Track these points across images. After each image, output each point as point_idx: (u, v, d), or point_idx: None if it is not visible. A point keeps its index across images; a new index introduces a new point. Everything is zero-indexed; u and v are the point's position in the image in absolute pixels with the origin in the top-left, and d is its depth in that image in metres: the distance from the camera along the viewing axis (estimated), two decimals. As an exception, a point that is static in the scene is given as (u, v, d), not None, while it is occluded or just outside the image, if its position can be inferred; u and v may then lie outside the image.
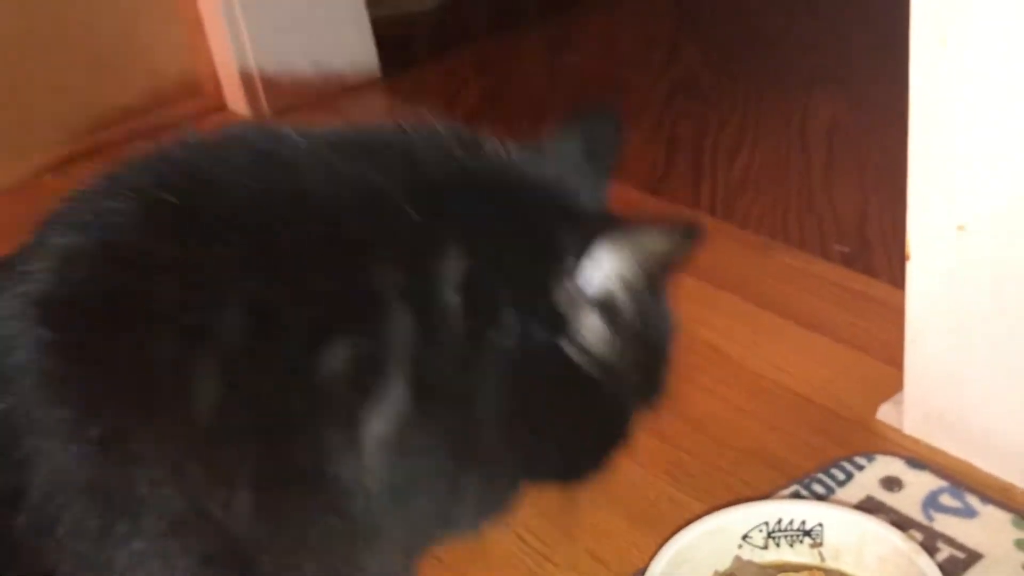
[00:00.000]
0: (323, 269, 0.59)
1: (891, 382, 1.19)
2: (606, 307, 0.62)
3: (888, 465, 1.11)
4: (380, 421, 0.59)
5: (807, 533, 0.96)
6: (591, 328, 0.62)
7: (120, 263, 0.58)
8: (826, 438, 1.16)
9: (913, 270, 1.09)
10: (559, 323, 0.61)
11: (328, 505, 0.60)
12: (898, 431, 1.17)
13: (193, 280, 0.57)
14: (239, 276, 0.58)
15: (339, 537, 0.62)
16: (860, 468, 1.11)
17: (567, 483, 0.73)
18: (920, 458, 1.12)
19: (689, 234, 0.61)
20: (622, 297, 0.61)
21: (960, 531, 1.02)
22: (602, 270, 0.60)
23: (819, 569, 0.96)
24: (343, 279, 0.58)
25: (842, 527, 0.95)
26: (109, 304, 0.57)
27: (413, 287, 0.59)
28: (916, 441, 1.15)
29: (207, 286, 0.57)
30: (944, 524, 1.04)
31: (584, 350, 0.62)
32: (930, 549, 1.00)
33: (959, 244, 1.02)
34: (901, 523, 1.01)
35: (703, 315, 1.36)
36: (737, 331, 1.34)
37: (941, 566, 0.98)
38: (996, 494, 1.06)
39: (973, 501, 1.06)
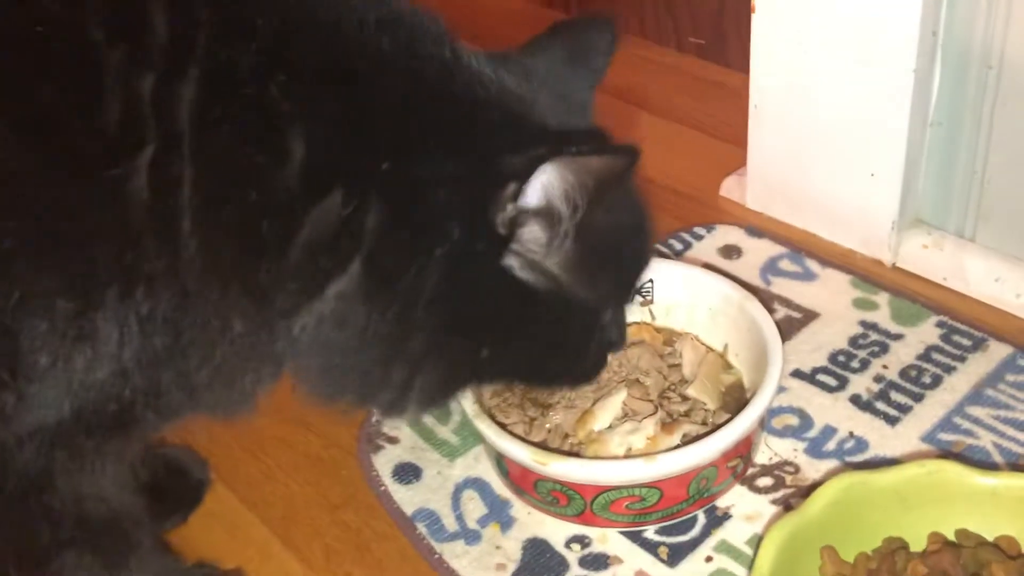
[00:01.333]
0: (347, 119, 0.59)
1: (737, 161, 1.14)
2: (547, 223, 0.61)
3: (727, 234, 1.06)
4: (337, 286, 0.60)
5: (637, 291, 0.90)
6: (532, 243, 0.62)
7: None
8: (669, 215, 1.10)
9: (758, 23, 1.02)
10: (500, 241, 0.61)
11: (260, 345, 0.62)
12: (741, 205, 1.12)
13: None
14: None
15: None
16: (699, 238, 1.06)
17: (539, 385, 0.78)
18: (762, 228, 1.07)
19: (629, 155, 0.59)
20: (564, 213, 0.61)
21: (797, 293, 0.98)
22: (544, 189, 0.60)
23: (648, 326, 0.90)
24: (355, 137, 0.59)
25: (672, 282, 0.89)
26: None
27: (388, 178, 0.59)
28: (759, 214, 1.10)
29: None
30: (781, 287, 0.99)
31: (528, 265, 0.63)
32: (767, 310, 0.96)
33: (804, -12, 0.96)
34: (738, 289, 0.96)
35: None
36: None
37: (778, 325, 0.94)
38: (838, 259, 1.02)
39: (812, 265, 1.01)
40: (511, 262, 0.62)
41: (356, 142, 0.58)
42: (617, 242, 0.68)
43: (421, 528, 0.79)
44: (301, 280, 0.59)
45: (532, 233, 0.62)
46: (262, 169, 0.56)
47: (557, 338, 0.68)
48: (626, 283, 0.72)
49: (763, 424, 0.82)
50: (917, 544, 0.69)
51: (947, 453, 0.81)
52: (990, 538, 0.69)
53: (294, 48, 0.58)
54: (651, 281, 0.89)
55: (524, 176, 0.58)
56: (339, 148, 0.58)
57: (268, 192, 0.56)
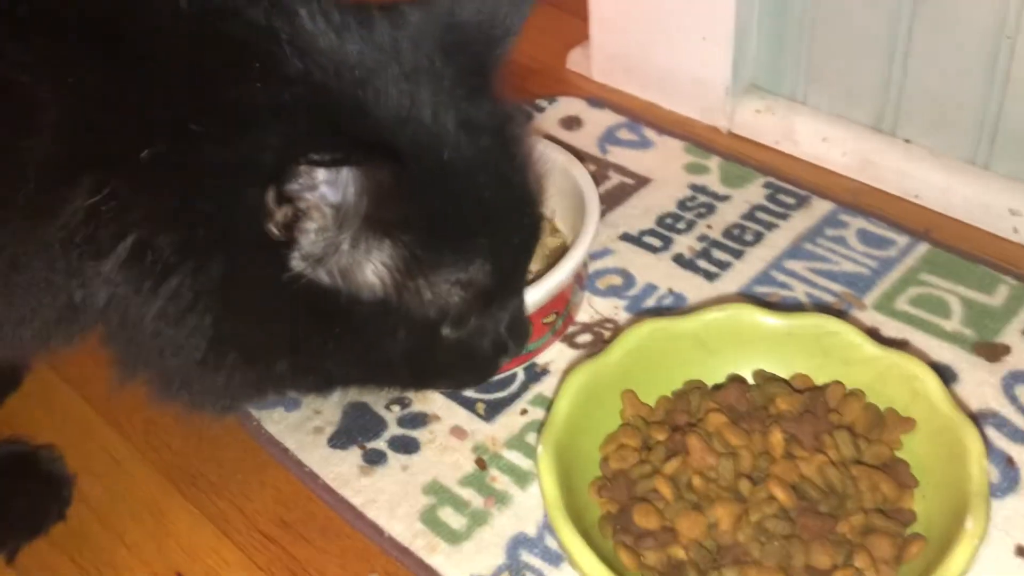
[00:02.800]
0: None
1: (583, 34, 1.13)
2: (331, 223, 0.53)
3: (569, 106, 1.06)
4: (101, 267, 0.55)
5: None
6: (320, 245, 0.54)
7: None
8: (516, 89, 1.10)
9: None
10: (280, 244, 0.54)
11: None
12: (587, 78, 1.11)
13: None
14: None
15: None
16: (541, 110, 1.05)
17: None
18: (604, 99, 1.07)
19: (386, 164, 0.51)
20: (339, 218, 0.53)
21: (632, 160, 0.98)
22: (311, 190, 0.52)
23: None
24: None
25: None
26: None
27: (152, 166, 0.52)
28: (603, 86, 1.10)
29: None
30: (617, 156, 0.99)
31: (324, 268, 0.55)
32: (601, 177, 0.96)
33: None
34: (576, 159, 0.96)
35: None
36: None
37: (610, 192, 0.95)
38: (676, 127, 1.03)
39: (649, 133, 1.02)
40: (300, 265, 0.54)
41: (113, 123, 0.52)
42: (466, 231, 0.58)
43: (242, 397, 0.79)
44: (62, 251, 0.55)
45: (316, 233, 0.54)
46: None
47: (394, 350, 0.59)
48: (502, 276, 0.60)
49: (582, 283, 0.83)
50: (718, 386, 0.71)
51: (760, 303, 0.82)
52: (787, 377, 0.71)
53: None
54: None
55: (280, 180, 0.51)
56: (91, 129, 0.52)
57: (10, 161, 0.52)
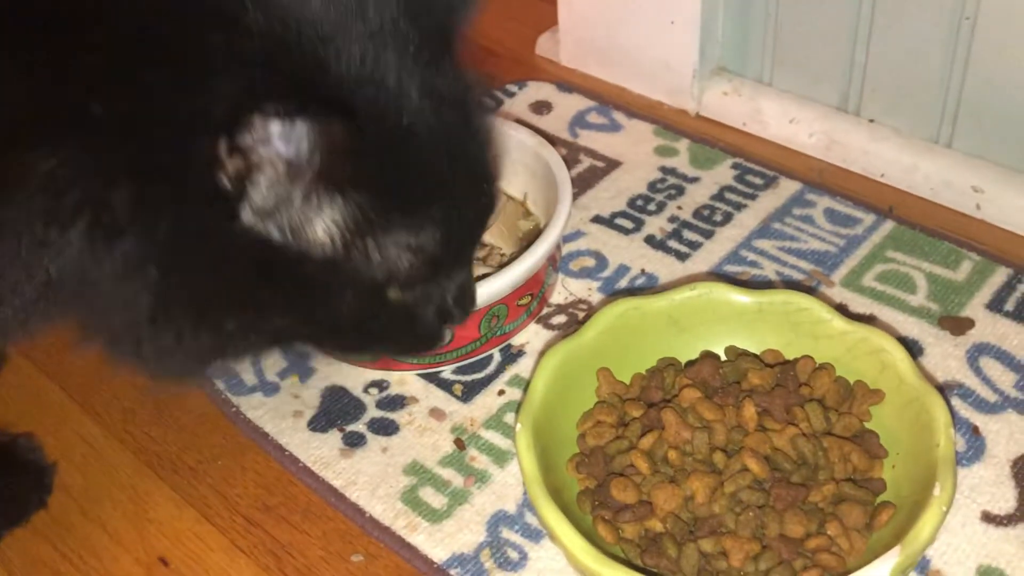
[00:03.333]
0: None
1: (552, 19, 1.14)
2: (285, 177, 0.53)
3: (539, 90, 1.07)
4: (66, 235, 0.54)
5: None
6: (271, 199, 0.53)
7: None
8: (487, 77, 1.10)
9: None
10: (232, 197, 0.53)
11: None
12: (556, 63, 1.12)
13: None
14: None
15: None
16: (510, 95, 1.06)
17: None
18: (573, 84, 1.08)
19: (343, 125, 0.51)
20: (292, 173, 0.53)
21: (603, 144, 1.00)
22: (263, 142, 0.51)
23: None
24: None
25: (473, 134, 0.90)
26: None
27: (103, 126, 0.52)
28: (572, 71, 1.11)
29: None
30: (588, 139, 1.00)
31: (275, 223, 0.55)
32: (572, 161, 0.97)
33: None
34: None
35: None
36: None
37: (582, 175, 0.96)
38: (645, 111, 1.04)
39: (619, 117, 1.03)
40: (250, 219, 0.54)
41: (66, 81, 0.51)
42: (420, 198, 0.58)
43: (220, 385, 0.79)
44: (28, 224, 0.54)
45: (268, 187, 0.53)
46: None
47: (340, 309, 0.60)
48: (452, 246, 0.61)
49: (555, 265, 0.84)
50: (691, 363, 0.73)
51: (731, 282, 0.84)
52: (758, 352, 0.72)
53: None
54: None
55: (232, 130, 0.51)
56: (46, 92, 0.52)
57: None
